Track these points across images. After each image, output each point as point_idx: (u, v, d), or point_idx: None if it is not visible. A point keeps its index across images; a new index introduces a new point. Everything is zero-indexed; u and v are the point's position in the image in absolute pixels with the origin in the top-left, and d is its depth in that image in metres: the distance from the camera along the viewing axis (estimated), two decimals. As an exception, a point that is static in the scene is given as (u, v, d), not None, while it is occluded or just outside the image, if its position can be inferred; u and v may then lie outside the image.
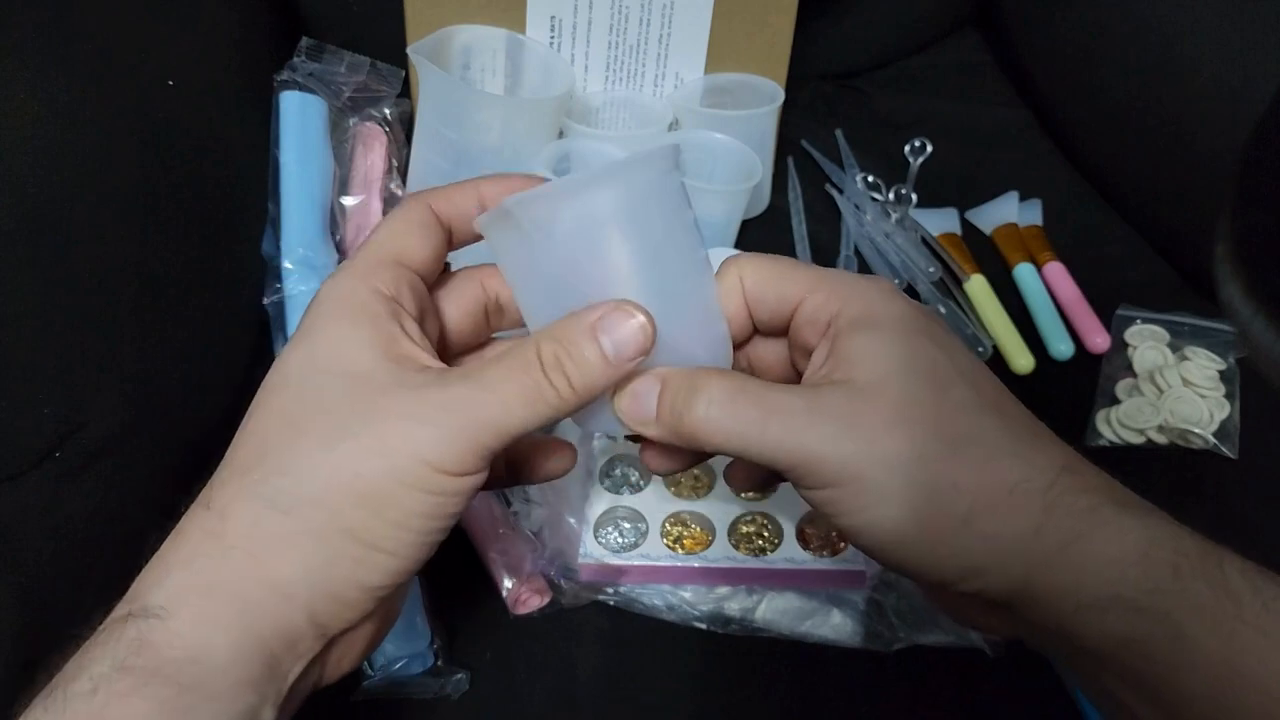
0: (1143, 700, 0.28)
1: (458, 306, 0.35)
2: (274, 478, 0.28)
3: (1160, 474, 0.57)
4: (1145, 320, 0.64)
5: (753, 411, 0.30)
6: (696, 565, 0.51)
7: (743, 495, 0.53)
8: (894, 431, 0.30)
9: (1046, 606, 0.29)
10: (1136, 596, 0.28)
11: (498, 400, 0.29)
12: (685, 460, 0.35)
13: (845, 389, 0.30)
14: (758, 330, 0.35)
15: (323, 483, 0.28)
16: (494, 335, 0.37)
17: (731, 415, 0.30)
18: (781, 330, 0.35)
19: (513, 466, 0.36)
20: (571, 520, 0.53)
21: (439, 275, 0.35)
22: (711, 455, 0.34)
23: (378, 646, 0.33)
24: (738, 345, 0.35)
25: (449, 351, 0.36)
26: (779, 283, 0.33)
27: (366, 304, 0.30)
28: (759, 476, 0.37)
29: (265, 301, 0.59)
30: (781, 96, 0.68)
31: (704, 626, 0.51)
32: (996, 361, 0.63)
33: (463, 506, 0.30)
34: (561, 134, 0.67)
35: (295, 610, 0.28)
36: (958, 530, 0.29)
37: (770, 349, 0.36)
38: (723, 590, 0.51)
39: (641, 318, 0.30)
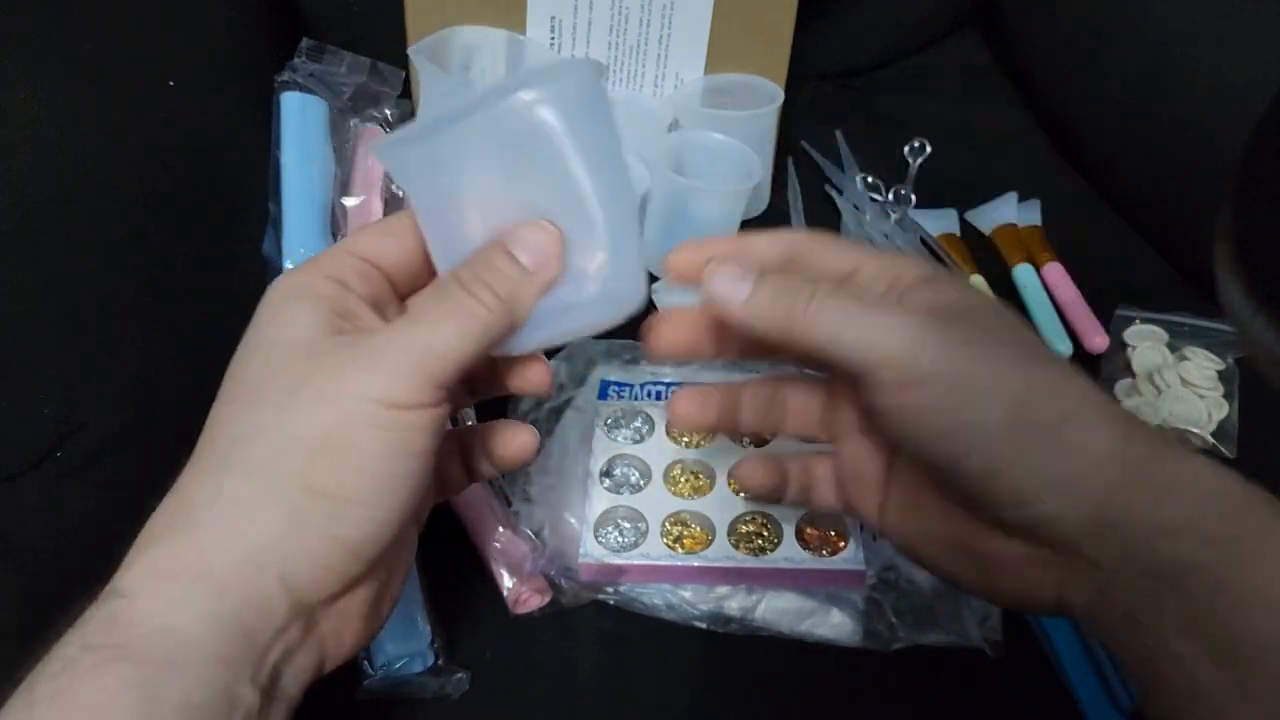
0: (1197, 642, 0.28)
1: None
2: (232, 448, 0.29)
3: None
4: (1144, 320, 0.64)
5: (850, 305, 0.31)
6: (696, 565, 0.51)
7: (742, 496, 0.53)
8: (983, 342, 0.31)
9: (1120, 532, 0.29)
10: (1210, 525, 0.28)
11: (429, 329, 0.30)
12: (712, 412, 0.37)
13: (930, 310, 0.32)
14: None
15: (280, 443, 0.29)
16: None
17: (828, 308, 0.31)
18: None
19: (465, 459, 0.37)
20: (571, 520, 0.53)
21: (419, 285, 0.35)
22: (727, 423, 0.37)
23: (377, 629, 0.33)
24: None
25: None
26: (838, 250, 0.35)
27: (311, 285, 0.31)
28: (772, 484, 0.38)
29: (265, 301, 0.59)
30: (781, 97, 0.68)
31: (704, 626, 0.51)
32: (996, 361, 0.63)
33: (425, 445, 0.30)
34: (561, 134, 0.67)
35: (268, 577, 0.28)
36: (1049, 436, 0.30)
37: (801, 398, 0.38)
38: (722, 590, 0.52)
39: (549, 226, 0.32)
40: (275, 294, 0.32)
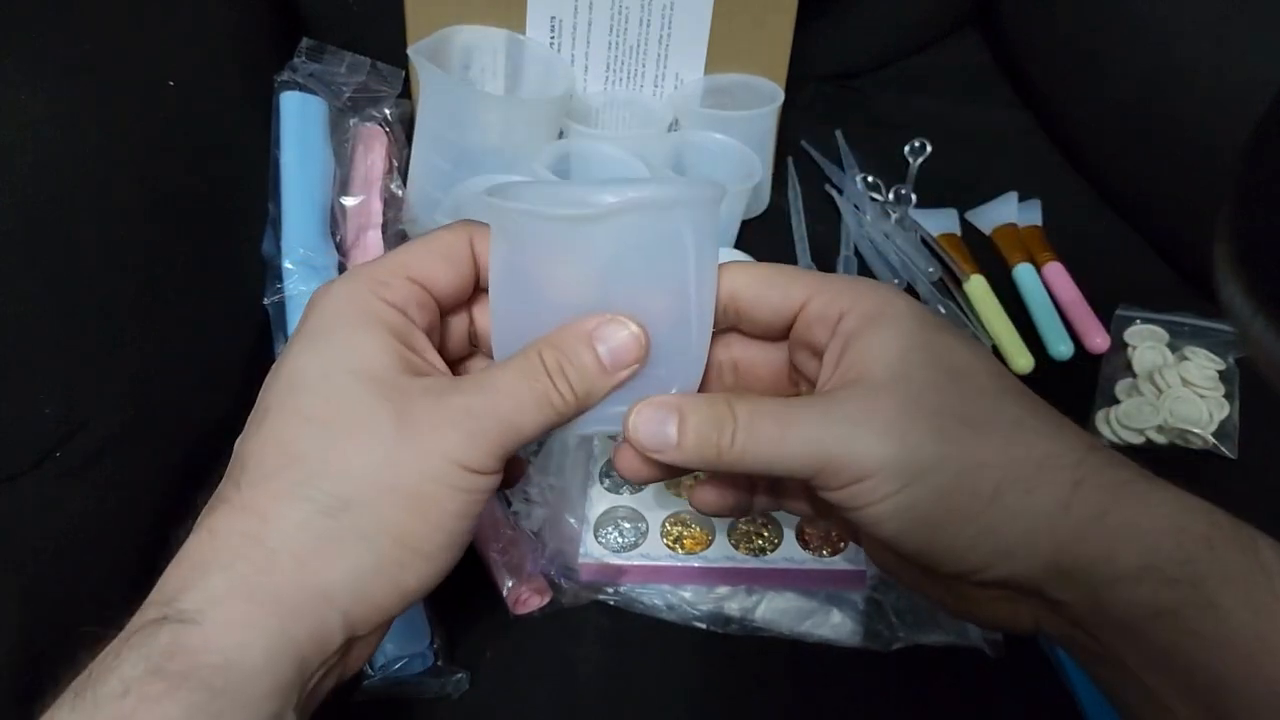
0: (1169, 679, 0.28)
1: (452, 327, 0.36)
2: (316, 480, 0.28)
3: (1160, 474, 0.57)
4: (1145, 320, 0.64)
5: (771, 429, 0.31)
6: (696, 565, 0.51)
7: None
8: (913, 418, 0.30)
9: (1078, 582, 0.29)
10: (1170, 567, 0.28)
11: (514, 405, 0.30)
12: (731, 498, 0.37)
13: (860, 388, 0.31)
14: (743, 332, 0.36)
15: (367, 486, 0.29)
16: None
17: (752, 437, 0.31)
18: (778, 334, 0.35)
19: None
20: (571, 520, 0.53)
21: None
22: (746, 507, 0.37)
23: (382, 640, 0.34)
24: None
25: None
26: (783, 285, 0.34)
27: (379, 312, 0.31)
28: (734, 500, 0.38)
29: (265, 302, 0.59)
30: (781, 97, 0.68)
31: (704, 626, 0.51)
32: (996, 362, 0.63)
33: (483, 507, 0.31)
34: (561, 134, 0.67)
35: (332, 614, 0.28)
36: (985, 508, 0.29)
37: (762, 357, 0.36)
38: (722, 590, 0.52)
39: (635, 328, 0.31)
40: (333, 307, 0.31)
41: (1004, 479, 0.30)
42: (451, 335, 0.36)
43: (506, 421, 0.30)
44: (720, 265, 0.34)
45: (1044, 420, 0.31)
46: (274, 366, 0.31)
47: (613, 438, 0.34)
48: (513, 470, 0.37)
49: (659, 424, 0.32)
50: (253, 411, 0.31)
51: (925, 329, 0.32)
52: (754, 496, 0.38)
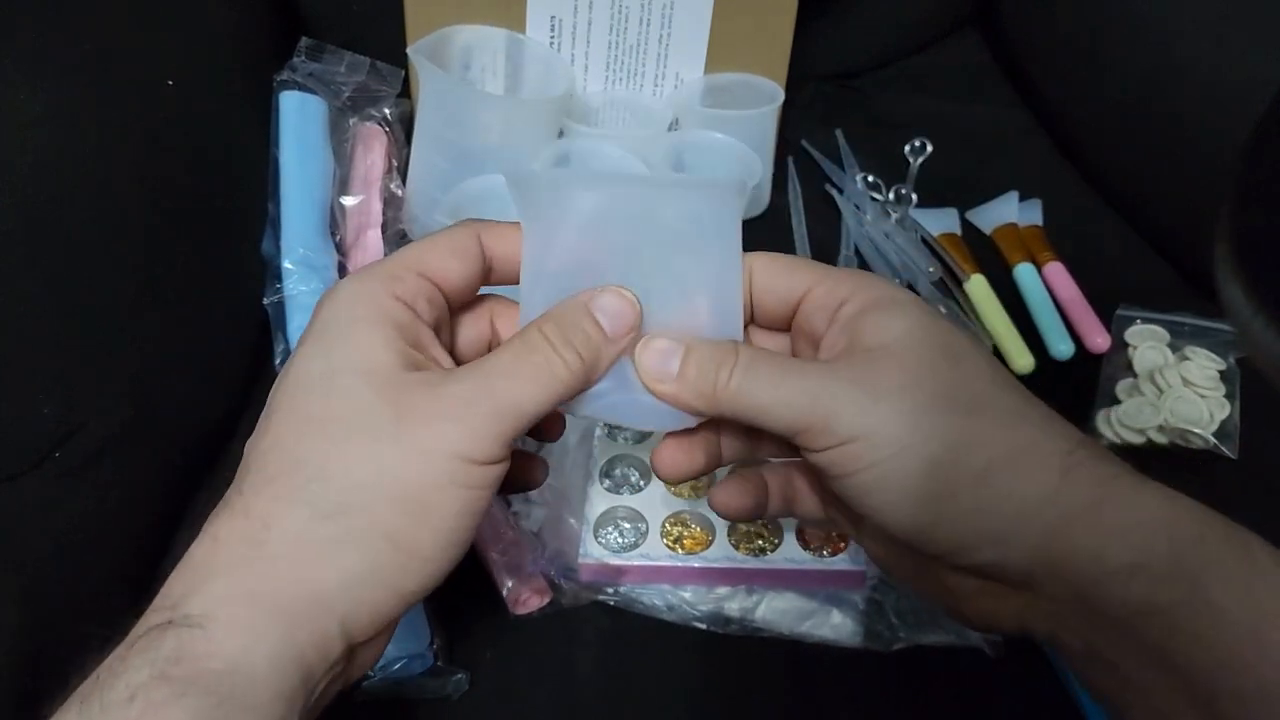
0: (1160, 677, 0.28)
1: (469, 328, 0.36)
2: (314, 483, 0.28)
3: (1160, 474, 0.56)
4: (1145, 320, 0.64)
5: (770, 373, 0.31)
6: (696, 565, 0.51)
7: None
8: (909, 390, 0.30)
9: (1068, 575, 0.29)
10: (1161, 563, 0.28)
11: (513, 384, 0.30)
12: (695, 461, 0.36)
13: (861, 356, 0.31)
14: (757, 323, 0.36)
15: (365, 487, 0.28)
16: None
17: (749, 379, 0.31)
18: (784, 323, 0.35)
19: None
20: (571, 520, 0.53)
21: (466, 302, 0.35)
22: (713, 466, 0.36)
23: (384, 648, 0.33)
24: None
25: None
26: (789, 273, 0.34)
27: (386, 308, 0.31)
28: (752, 503, 0.38)
29: (265, 301, 0.59)
30: (781, 96, 0.68)
31: (704, 626, 0.51)
32: (996, 361, 0.63)
33: (488, 502, 0.30)
34: (561, 134, 0.67)
35: (332, 619, 0.28)
36: (974, 486, 0.30)
37: (769, 344, 0.36)
38: (722, 590, 0.52)
39: (629, 295, 0.32)
40: (344, 306, 0.31)
41: (994, 459, 0.30)
42: (471, 343, 0.35)
43: (506, 402, 0.29)
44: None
45: (1036, 411, 0.32)
46: (284, 366, 0.31)
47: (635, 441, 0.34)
48: (533, 471, 0.37)
49: (665, 355, 0.32)
50: (262, 413, 0.31)
51: (926, 315, 0.32)
52: (768, 499, 0.38)
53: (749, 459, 0.38)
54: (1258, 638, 0.27)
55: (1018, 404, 0.31)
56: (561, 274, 0.33)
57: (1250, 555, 0.28)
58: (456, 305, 0.34)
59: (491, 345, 0.36)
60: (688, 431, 0.35)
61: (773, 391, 0.31)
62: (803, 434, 0.31)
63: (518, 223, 0.34)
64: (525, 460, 0.37)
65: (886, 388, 0.30)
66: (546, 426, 0.37)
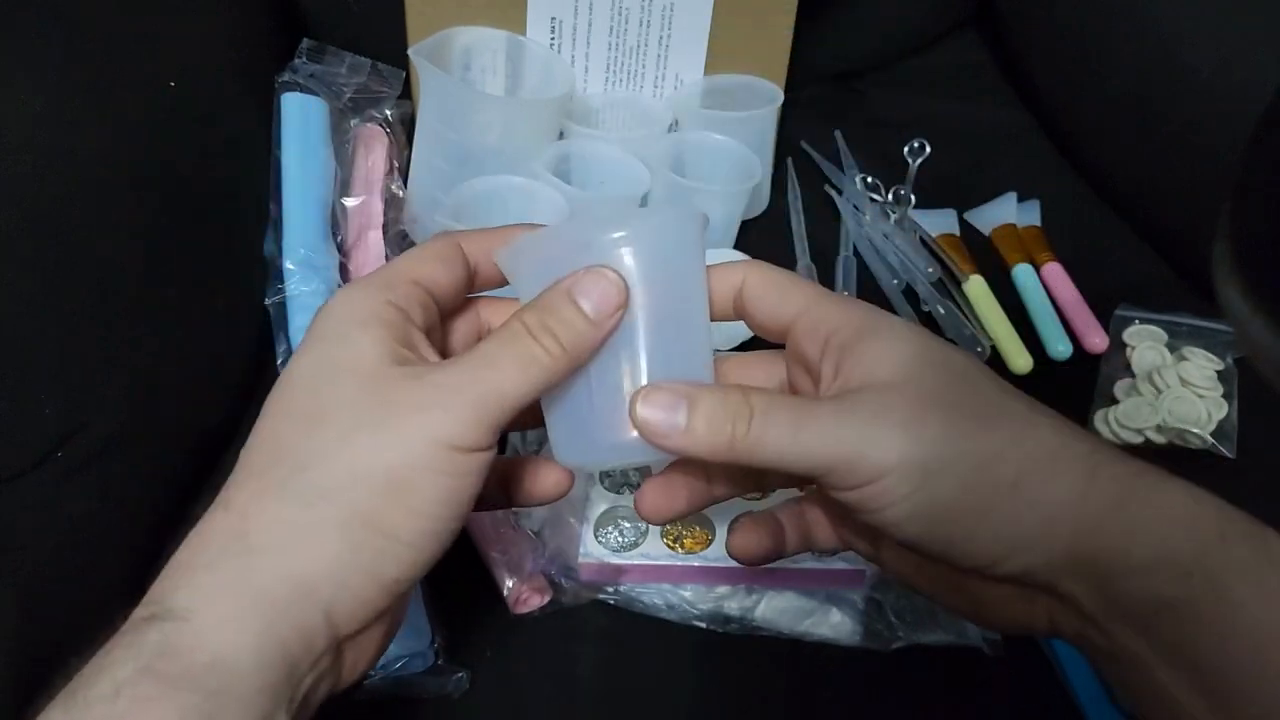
0: (1181, 672, 0.28)
1: (460, 331, 0.36)
2: (294, 473, 0.29)
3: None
4: (1143, 320, 0.64)
5: (787, 421, 0.30)
6: (696, 565, 0.51)
7: (746, 497, 0.53)
8: (927, 416, 0.30)
9: (1093, 573, 0.29)
10: (1183, 560, 0.28)
11: (494, 372, 0.30)
12: (677, 503, 0.36)
13: (871, 390, 0.31)
14: (748, 325, 0.36)
15: (343, 474, 0.29)
16: None
17: (768, 426, 0.30)
18: (777, 336, 0.35)
19: (505, 485, 0.37)
20: (571, 520, 0.53)
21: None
22: (714, 500, 0.36)
23: (384, 652, 0.33)
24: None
25: None
26: (780, 292, 0.34)
27: (378, 311, 0.31)
28: (771, 544, 0.38)
29: (267, 302, 0.59)
30: (781, 97, 0.69)
31: (703, 625, 0.51)
32: (995, 362, 0.63)
33: (476, 490, 0.30)
34: (562, 135, 0.67)
35: (315, 609, 0.28)
36: (1006, 498, 0.30)
37: (762, 375, 0.37)
38: (722, 589, 0.52)
39: (613, 275, 0.31)
40: (339, 312, 0.31)
41: (1023, 469, 0.30)
42: (461, 337, 0.36)
43: (489, 389, 0.30)
44: (735, 262, 0.35)
45: (1046, 415, 0.32)
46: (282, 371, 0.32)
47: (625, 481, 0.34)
48: (552, 481, 0.37)
49: (667, 408, 0.31)
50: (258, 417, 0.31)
51: (920, 336, 0.32)
52: (785, 539, 0.38)
53: (752, 491, 0.38)
54: (1275, 633, 0.27)
55: (1028, 410, 0.31)
56: None
57: (1268, 550, 0.28)
58: (447, 310, 0.35)
59: (481, 334, 0.37)
60: (669, 472, 0.36)
61: (792, 438, 0.30)
62: (827, 475, 0.30)
63: (494, 229, 0.35)
64: (541, 465, 0.37)
65: (905, 419, 0.30)
66: (536, 476, 0.37)
